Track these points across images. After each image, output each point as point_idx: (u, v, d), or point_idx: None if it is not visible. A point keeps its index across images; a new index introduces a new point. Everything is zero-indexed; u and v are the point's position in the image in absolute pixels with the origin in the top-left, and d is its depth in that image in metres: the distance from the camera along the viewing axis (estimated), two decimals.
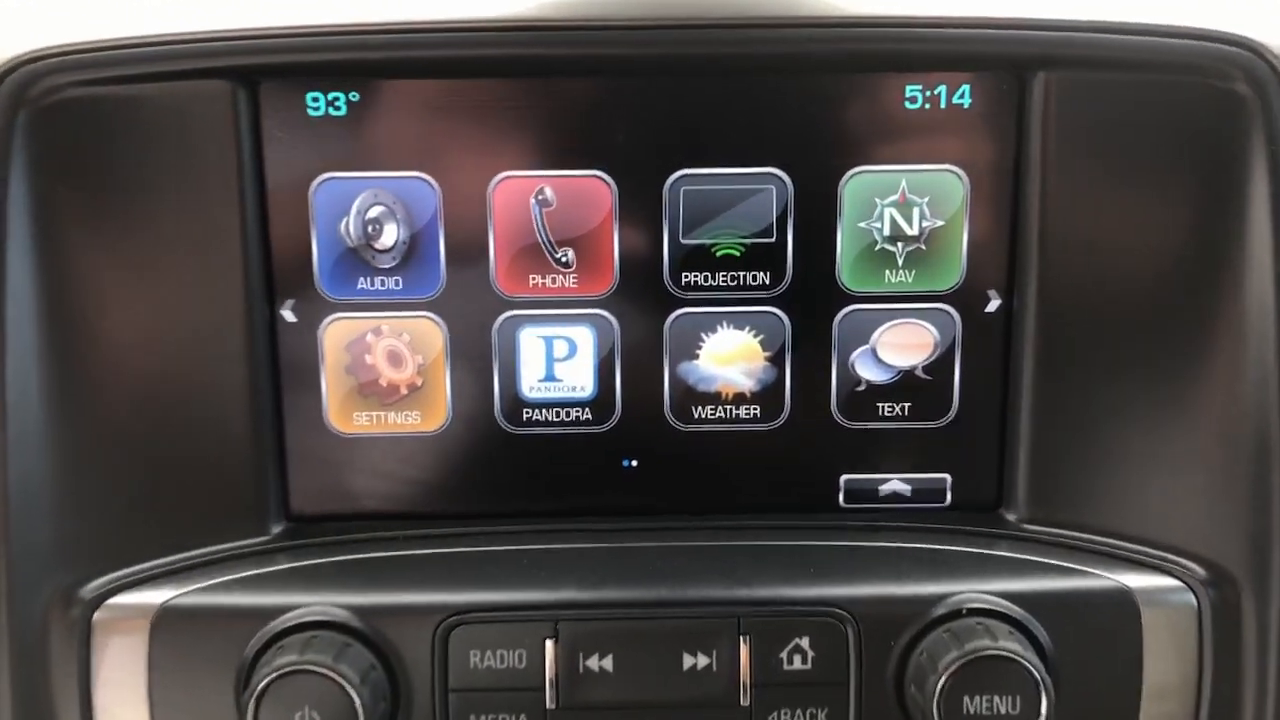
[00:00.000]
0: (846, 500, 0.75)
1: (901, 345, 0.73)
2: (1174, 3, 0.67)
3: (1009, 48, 0.68)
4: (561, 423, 0.74)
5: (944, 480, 0.75)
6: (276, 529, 0.73)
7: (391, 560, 0.71)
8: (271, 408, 0.72)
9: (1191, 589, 0.68)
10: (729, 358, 0.73)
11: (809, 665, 0.67)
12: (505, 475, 0.74)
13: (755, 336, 0.73)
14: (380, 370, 0.73)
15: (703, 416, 0.74)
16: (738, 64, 0.68)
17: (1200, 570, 0.68)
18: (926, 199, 0.71)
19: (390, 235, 0.71)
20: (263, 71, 0.68)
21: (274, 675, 0.63)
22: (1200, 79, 0.66)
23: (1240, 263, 0.67)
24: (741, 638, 0.66)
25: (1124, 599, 0.68)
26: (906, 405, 0.74)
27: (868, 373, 0.73)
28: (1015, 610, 0.66)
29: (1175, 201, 0.68)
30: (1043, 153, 0.69)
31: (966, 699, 0.64)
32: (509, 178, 0.70)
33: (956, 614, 0.66)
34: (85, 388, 0.68)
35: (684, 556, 0.71)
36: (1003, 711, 0.64)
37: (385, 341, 0.73)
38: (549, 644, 0.66)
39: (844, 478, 0.75)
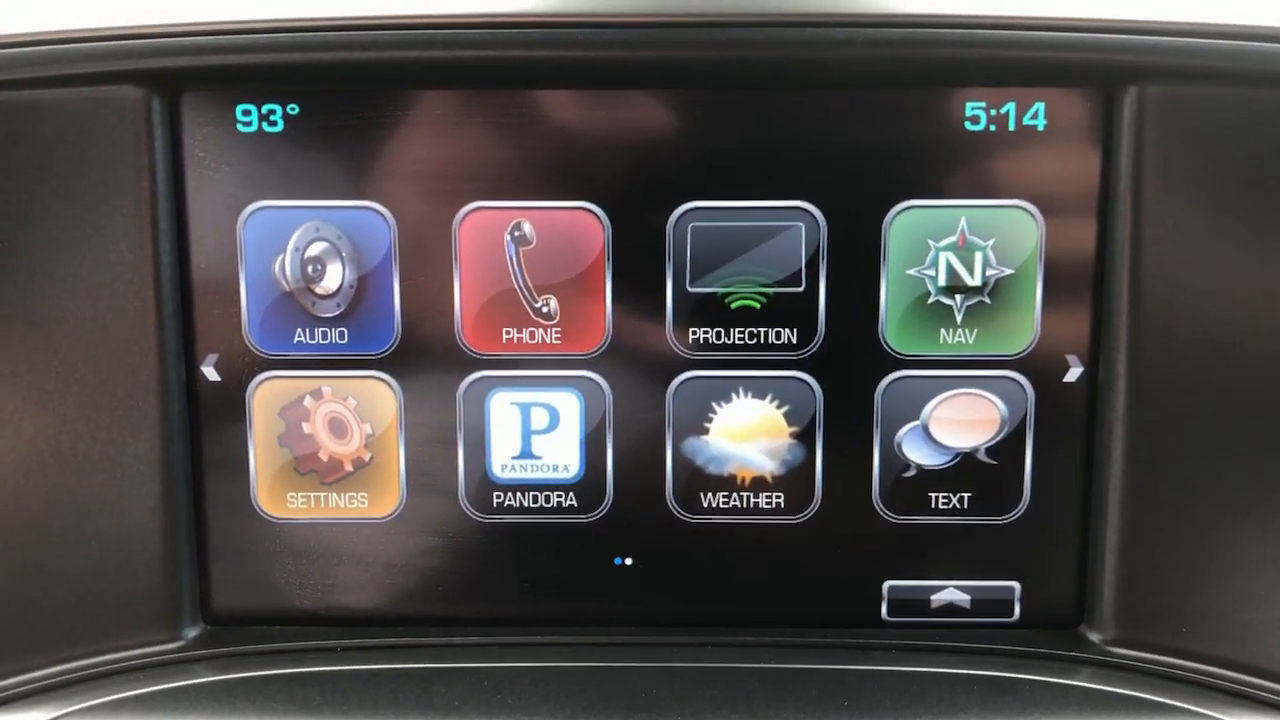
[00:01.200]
0: (891, 613, 0.63)
1: (960, 421, 0.62)
2: None
3: (1094, 56, 0.57)
4: (540, 509, 0.63)
5: (1012, 589, 0.63)
6: (191, 633, 0.61)
7: (326, 676, 0.59)
8: (188, 487, 0.61)
9: None
10: (746, 433, 0.62)
11: None
12: (469, 573, 0.63)
13: (779, 408, 0.62)
14: (320, 442, 0.62)
15: (713, 505, 0.63)
16: (760, 72, 0.57)
17: None
18: (991, 241, 0.59)
19: (334, 277, 0.60)
20: (184, 76, 0.58)
21: None
22: None
23: None
24: None
25: None
26: (966, 496, 0.62)
27: (918, 455, 0.62)
28: None
29: None
30: (1134, 184, 0.58)
31: None
32: (479, 209, 0.60)
33: None
34: None
35: (687, 682, 0.59)
36: None
37: (327, 406, 0.62)
38: None
39: (888, 584, 0.63)
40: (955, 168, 0.59)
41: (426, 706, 0.57)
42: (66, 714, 0.57)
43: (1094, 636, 0.62)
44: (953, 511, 0.63)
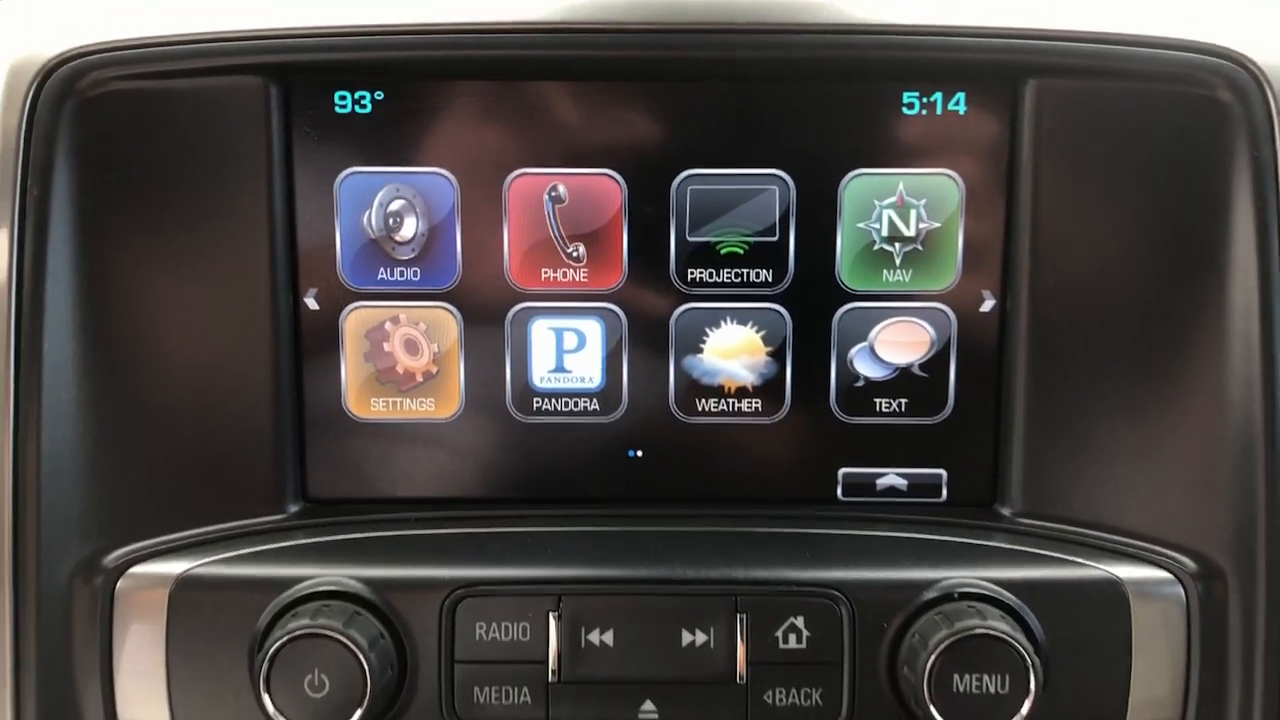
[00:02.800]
0: (844, 493, 0.77)
1: (899, 343, 0.75)
2: (1160, 14, 0.70)
3: (1001, 56, 0.71)
4: (570, 412, 0.77)
5: (939, 475, 0.77)
6: (293, 508, 0.76)
7: (402, 539, 0.73)
8: (293, 392, 0.75)
9: (1180, 581, 0.70)
10: (732, 352, 0.76)
11: (804, 645, 0.68)
12: (515, 462, 0.77)
13: (758, 332, 0.75)
14: (397, 358, 0.76)
15: (706, 409, 0.77)
16: (743, 68, 0.72)
17: (1189, 563, 0.70)
18: (923, 201, 0.74)
19: (410, 228, 0.75)
20: (294, 69, 0.72)
21: (286, 639, 0.66)
22: (1185, 88, 0.70)
23: (1225, 265, 0.70)
24: (738, 616, 0.68)
25: (1114, 590, 0.69)
26: (903, 401, 0.76)
27: (866, 369, 0.76)
28: (1006, 596, 0.68)
29: (1162, 205, 0.71)
30: (1034, 158, 0.72)
31: (956, 677, 0.65)
32: (524, 175, 0.74)
33: (948, 597, 0.68)
34: (117, 366, 0.72)
35: (684, 540, 0.73)
36: (991, 691, 0.65)
37: (403, 330, 0.76)
38: (552, 618, 0.68)
39: (842, 471, 0.77)
40: (895, 143, 0.73)
41: (482, 560, 0.71)
42: (200, 564, 0.71)
43: (1005, 511, 0.75)
44: (893, 414, 0.77)
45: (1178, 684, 0.70)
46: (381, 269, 0.75)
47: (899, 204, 0.74)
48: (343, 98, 0.73)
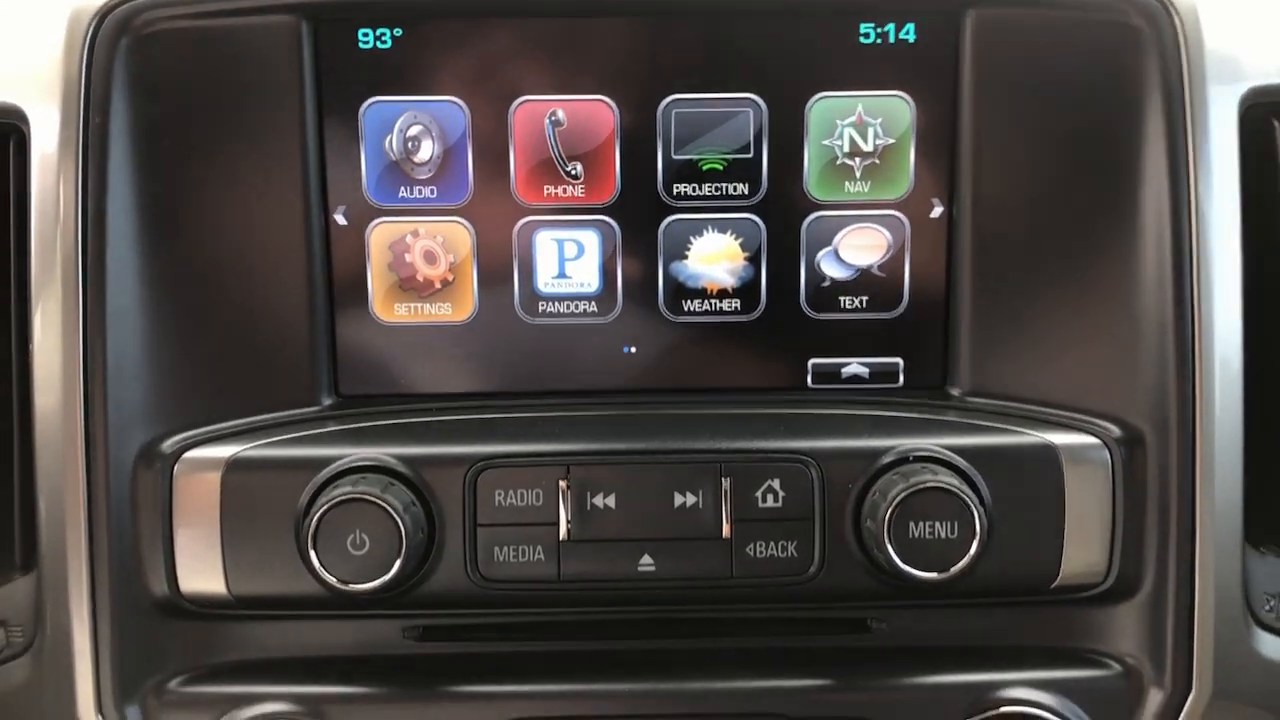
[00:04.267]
0: (814, 381, 0.87)
1: (860, 246, 0.85)
2: None
3: None
4: (571, 314, 0.86)
5: (897, 364, 0.86)
6: (326, 401, 0.85)
7: (426, 425, 0.83)
8: (325, 298, 0.84)
9: (1106, 445, 0.80)
10: (713, 258, 0.85)
11: (780, 504, 0.79)
12: (523, 358, 0.86)
13: (736, 239, 0.85)
14: (418, 267, 0.85)
15: (691, 309, 0.86)
16: (718, 5, 0.81)
17: (1114, 429, 0.80)
18: (879, 120, 0.83)
19: (427, 151, 0.84)
20: (323, 9, 0.81)
21: (331, 504, 0.75)
22: (1104, 15, 0.80)
23: (1140, 173, 0.80)
24: (723, 480, 0.78)
25: (1049, 454, 0.80)
26: (864, 299, 0.86)
27: (831, 270, 0.85)
28: (955, 459, 0.78)
29: (1086, 119, 0.81)
30: (974, 80, 0.82)
31: (911, 524, 0.76)
32: (527, 101, 0.83)
33: (904, 460, 0.78)
34: (172, 274, 0.81)
35: (674, 420, 0.83)
36: (942, 536, 0.76)
37: (422, 242, 0.85)
38: (562, 485, 0.78)
39: (811, 361, 0.87)
40: (854, 69, 0.82)
41: (498, 439, 0.80)
42: (248, 448, 0.80)
43: (954, 391, 0.85)
44: (855, 310, 0.86)
45: (1104, 534, 0.80)
46: (402, 188, 0.84)
47: (858, 123, 0.83)
48: (365, 34, 0.82)
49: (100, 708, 0.79)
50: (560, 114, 0.83)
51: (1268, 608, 0.82)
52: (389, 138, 0.83)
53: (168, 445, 0.80)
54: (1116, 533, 0.80)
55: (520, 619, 0.83)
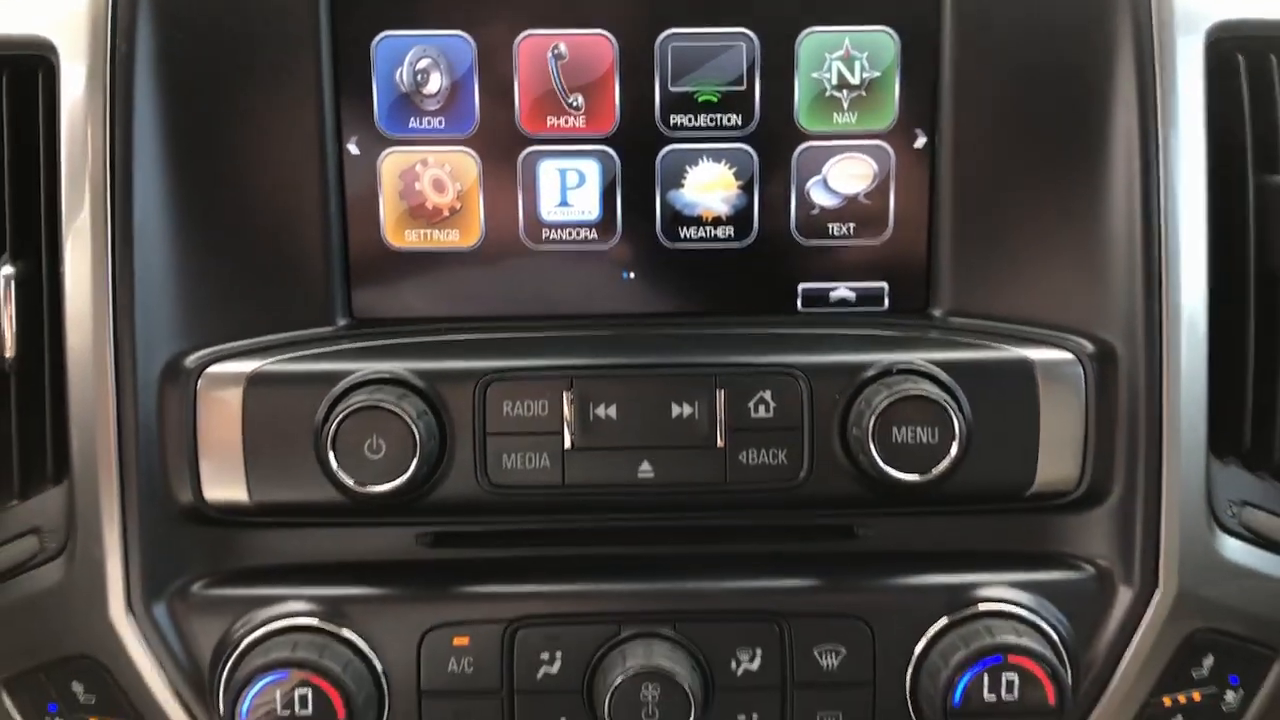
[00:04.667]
0: (803, 304, 0.91)
1: (847, 175, 0.89)
2: None
3: None
4: (573, 240, 0.90)
5: (882, 287, 0.91)
6: (341, 322, 0.89)
7: (436, 343, 0.87)
8: (339, 224, 0.88)
9: (1079, 359, 0.85)
10: (709, 186, 0.90)
11: (771, 414, 0.83)
12: (527, 283, 0.90)
13: (730, 168, 0.89)
14: (427, 195, 0.89)
15: (687, 236, 0.90)
16: None
17: (1087, 345, 0.85)
18: (866, 54, 0.88)
19: (435, 83, 0.88)
20: None
21: (348, 411, 0.80)
22: None
23: (1111, 102, 0.85)
24: (718, 392, 0.83)
25: (1025, 368, 0.84)
26: (851, 225, 0.90)
27: (820, 198, 0.90)
28: (937, 371, 0.83)
29: (1060, 54, 0.86)
30: (955, 17, 0.86)
31: (895, 429, 0.80)
32: (531, 35, 0.87)
33: (888, 372, 0.83)
34: (195, 198, 0.85)
35: (671, 339, 0.87)
36: (924, 441, 0.80)
37: (431, 171, 0.89)
38: (566, 396, 0.83)
39: (801, 286, 0.91)
40: (841, 4, 0.86)
41: (505, 354, 0.84)
42: (268, 363, 0.84)
43: (936, 313, 0.89)
44: (843, 236, 0.91)
45: (1077, 444, 0.85)
46: (412, 119, 0.88)
47: (845, 57, 0.88)
48: None
49: (130, 607, 0.83)
50: (562, 47, 0.87)
51: (1230, 513, 0.87)
52: (399, 70, 0.87)
53: (191, 361, 0.84)
54: (1089, 442, 0.84)
55: (526, 526, 0.87)
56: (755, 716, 0.84)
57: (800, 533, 0.88)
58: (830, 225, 0.90)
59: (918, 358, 0.83)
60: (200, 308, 0.85)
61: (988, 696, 0.81)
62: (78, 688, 0.85)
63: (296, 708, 0.79)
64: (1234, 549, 0.87)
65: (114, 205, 0.82)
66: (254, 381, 0.83)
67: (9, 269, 0.84)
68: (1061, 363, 0.85)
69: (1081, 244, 0.86)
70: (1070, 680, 0.82)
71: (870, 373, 0.83)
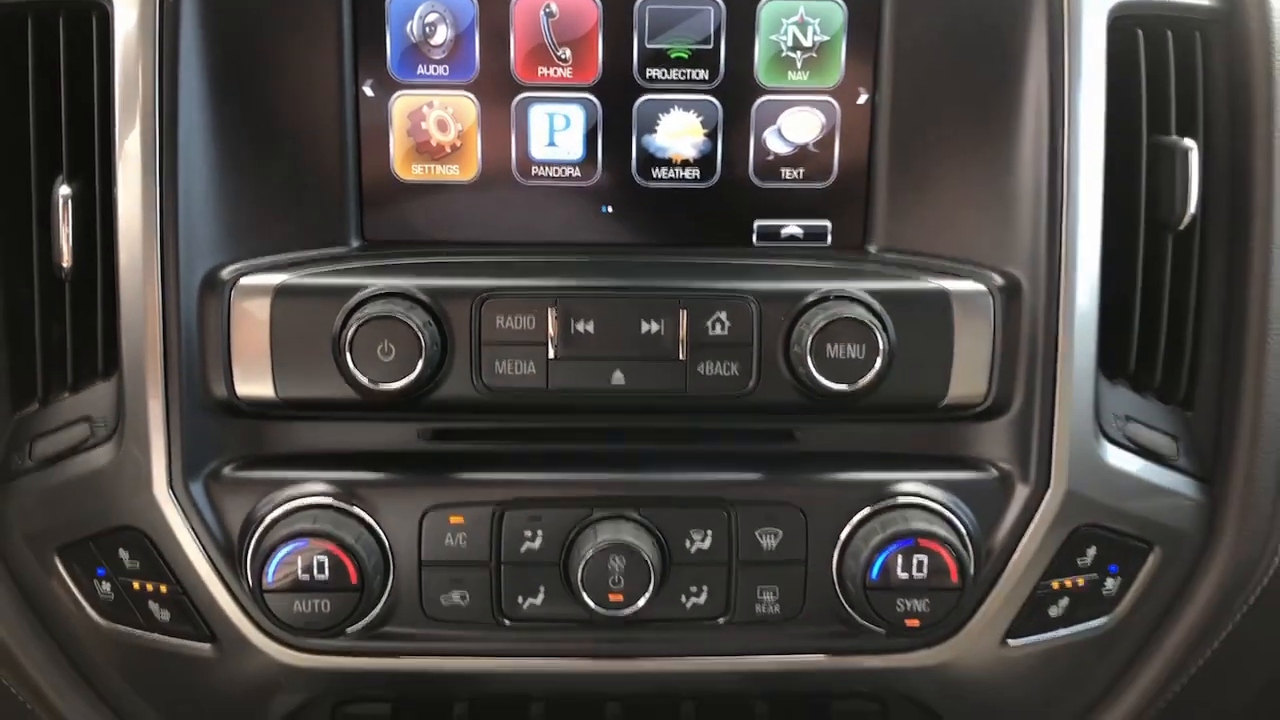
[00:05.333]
0: (758, 239, 1.03)
1: (799, 126, 1.01)
2: None
3: None
4: (559, 177, 1.01)
5: (825, 226, 1.03)
6: (355, 243, 1.00)
7: (438, 264, 0.98)
8: (354, 157, 1.00)
9: (990, 291, 0.97)
10: (679, 133, 1.01)
11: (726, 332, 0.95)
12: (518, 214, 1.02)
13: (698, 117, 1.00)
14: (431, 134, 1.01)
15: (659, 176, 1.02)
16: None
17: (997, 278, 0.98)
18: (818, 20, 0.98)
19: (441, 35, 0.99)
20: None
21: (363, 320, 0.92)
22: None
23: (1025, 67, 0.96)
24: (680, 312, 0.95)
25: (942, 297, 0.96)
26: (801, 170, 1.02)
27: (775, 146, 1.01)
28: (868, 298, 0.95)
29: (985, 23, 0.97)
30: None
31: (829, 346, 0.93)
32: None
33: (827, 298, 0.95)
34: (231, 129, 0.96)
35: (643, 265, 1.00)
36: (853, 356, 0.93)
37: (436, 112, 1.00)
38: (550, 312, 0.95)
39: (756, 222, 1.03)
40: None
41: (499, 275, 0.95)
42: (288, 278, 0.95)
43: (871, 249, 1.02)
44: (793, 180, 1.02)
45: (985, 363, 0.97)
46: (420, 66, 1.00)
47: (800, 22, 0.99)
48: None
49: (170, 485, 0.96)
50: (554, 7, 0.99)
51: (1115, 427, 1.01)
52: (410, 23, 0.99)
53: (226, 273, 0.96)
54: (995, 362, 0.98)
55: (514, 425, 1.01)
56: (705, 587, 0.98)
57: (748, 435, 1.02)
58: (783, 170, 1.02)
59: (852, 286, 0.96)
60: (234, 227, 0.97)
61: (900, 574, 0.95)
62: (123, 555, 0.98)
63: (315, 572, 0.93)
64: (1117, 456, 1.01)
65: (161, 134, 0.93)
66: (280, 293, 0.96)
67: (66, 189, 0.96)
68: (974, 293, 0.98)
69: (996, 191, 0.98)
70: (972, 563, 0.97)
71: (811, 298, 0.95)
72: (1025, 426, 0.99)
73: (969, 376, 0.98)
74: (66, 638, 1.04)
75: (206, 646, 1.00)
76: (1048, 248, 0.97)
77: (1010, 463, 1.00)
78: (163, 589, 0.99)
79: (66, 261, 0.97)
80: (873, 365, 0.94)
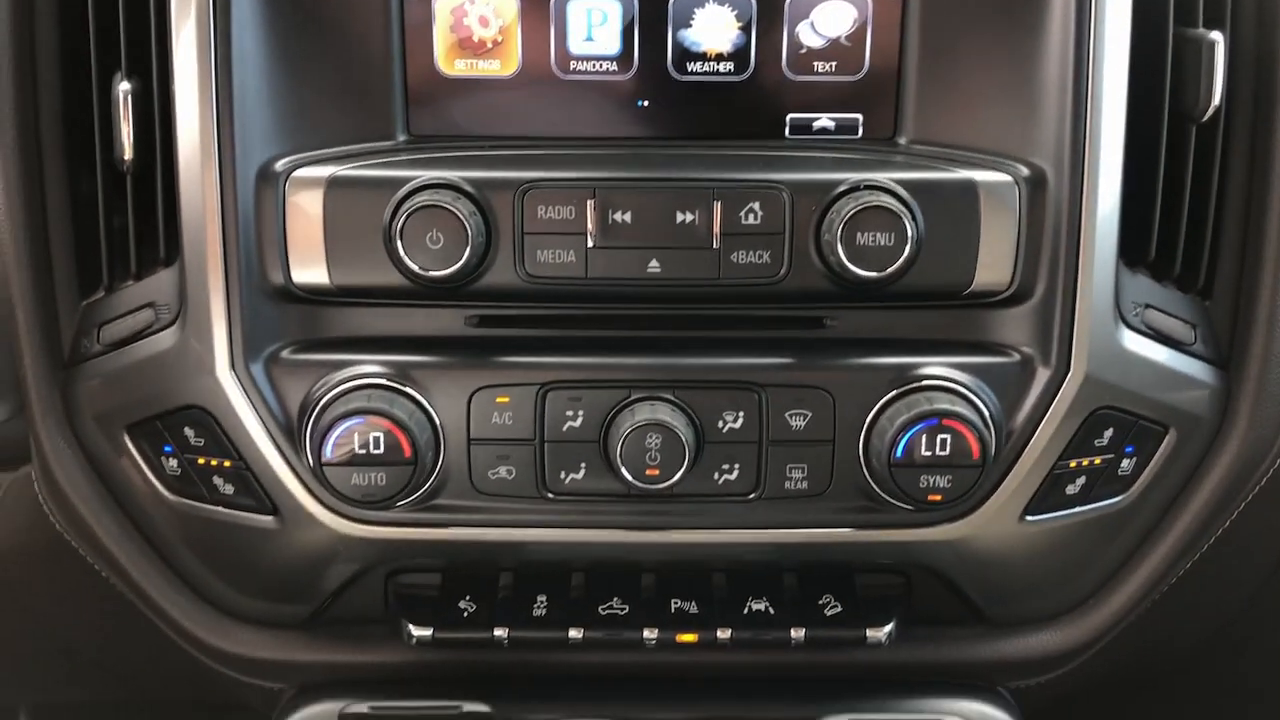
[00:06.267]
0: (790, 132, 1.06)
1: (832, 20, 1.02)
2: None
3: None
4: (596, 72, 1.04)
5: (857, 119, 1.05)
6: (401, 138, 1.04)
7: (481, 156, 1.02)
8: (400, 53, 1.03)
9: (1016, 181, 1.00)
10: (714, 28, 1.03)
11: (758, 222, 0.99)
12: (558, 109, 1.05)
13: (732, 11, 1.03)
14: (473, 30, 1.03)
15: (694, 70, 1.04)
16: None
17: (1023, 169, 1.00)
18: None
19: None
20: None
21: (412, 209, 0.96)
22: None
23: None
24: (714, 203, 0.98)
25: (970, 187, 0.99)
26: (834, 64, 1.04)
27: (808, 39, 1.03)
28: (897, 188, 0.98)
29: None
30: None
31: (859, 234, 0.96)
32: None
33: (857, 188, 0.98)
34: (283, 26, 0.99)
35: (678, 158, 1.03)
36: (882, 243, 0.97)
37: (477, 8, 1.03)
38: (589, 203, 0.99)
39: (789, 115, 1.05)
40: None
41: (540, 167, 0.99)
42: (339, 170, 0.98)
43: (901, 141, 1.04)
44: (826, 73, 1.04)
45: (1010, 252, 1.00)
46: None
47: None
48: None
49: (232, 366, 1.02)
50: None
51: (1135, 313, 1.04)
52: None
53: (280, 165, 1.00)
54: (1019, 250, 1.01)
55: (555, 312, 1.05)
56: (737, 465, 1.04)
57: (779, 323, 1.06)
58: (815, 63, 1.04)
59: (882, 176, 0.99)
60: (287, 121, 1.00)
61: (924, 452, 1.00)
62: (189, 433, 1.04)
63: (371, 447, 0.99)
64: (1135, 342, 1.04)
65: (216, 31, 0.97)
66: (332, 184, 1.00)
67: (126, 85, 1.00)
68: (1000, 184, 1.01)
69: (1023, 83, 1.00)
70: (993, 443, 1.01)
71: (842, 188, 0.98)
72: (1047, 312, 1.03)
73: (994, 264, 1.01)
74: (138, 512, 1.11)
75: (269, 519, 1.07)
76: (1072, 140, 0.99)
77: (1032, 347, 1.04)
78: (226, 464, 1.05)
79: (128, 155, 1.02)
80: (901, 252, 0.97)
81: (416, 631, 1.11)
